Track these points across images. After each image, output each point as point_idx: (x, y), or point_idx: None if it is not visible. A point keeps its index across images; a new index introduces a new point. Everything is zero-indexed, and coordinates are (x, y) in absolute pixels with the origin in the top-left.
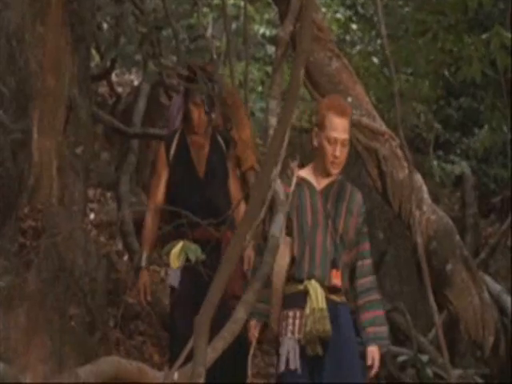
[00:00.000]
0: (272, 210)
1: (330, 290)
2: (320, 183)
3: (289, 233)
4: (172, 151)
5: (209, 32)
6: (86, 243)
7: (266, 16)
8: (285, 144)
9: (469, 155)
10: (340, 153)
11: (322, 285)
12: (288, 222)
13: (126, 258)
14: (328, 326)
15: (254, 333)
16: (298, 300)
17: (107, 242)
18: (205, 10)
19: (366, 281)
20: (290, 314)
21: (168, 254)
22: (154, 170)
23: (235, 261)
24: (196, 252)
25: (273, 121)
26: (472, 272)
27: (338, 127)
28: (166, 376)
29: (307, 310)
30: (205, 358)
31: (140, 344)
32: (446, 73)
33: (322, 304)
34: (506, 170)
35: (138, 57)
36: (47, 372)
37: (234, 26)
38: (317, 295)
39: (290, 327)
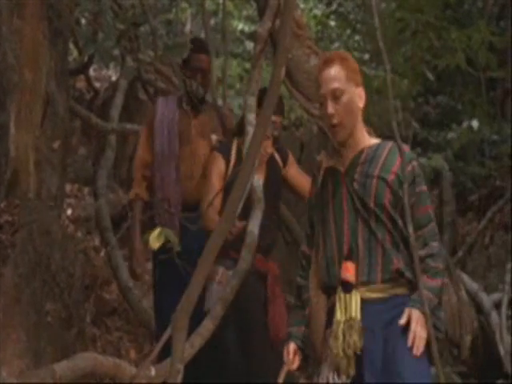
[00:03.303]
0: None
1: (369, 286)
2: (345, 161)
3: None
4: (231, 165)
5: (187, 28)
6: (62, 238)
7: (245, 12)
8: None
9: (447, 153)
10: (333, 108)
11: (358, 285)
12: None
13: (102, 253)
14: (356, 342)
15: (289, 357)
16: (333, 316)
17: (84, 237)
18: (183, 5)
19: (422, 252)
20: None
21: (147, 240)
22: (207, 181)
23: (214, 256)
24: (173, 236)
25: (251, 117)
26: (449, 270)
27: (324, 80)
28: (142, 371)
29: (334, 326)
30: (182, 355)
31: (117, 340)
32: (425, 70)
33: (351, 312)
34: (483, 169)
35: (116, 52)
36: (23, 367)
37: (212, 21)
38: (346, 303)
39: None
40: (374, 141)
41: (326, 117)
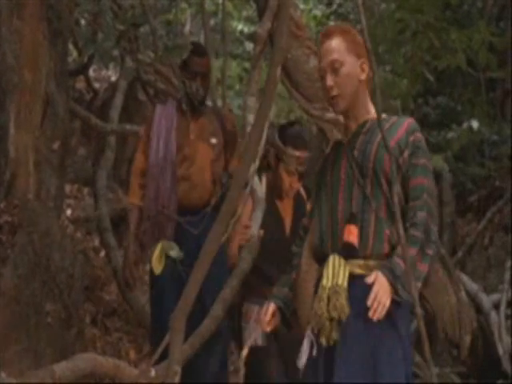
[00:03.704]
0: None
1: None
2: (348, 133)
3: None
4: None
5: (187, 28)
6: (62, 239)
7: (245, 13)
8: (263, 141)
9: (446, 154)
10: (331, 80)
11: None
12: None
13: (102, 254)
14: (343, 305)
15: (266, 318)
16: None
17: (84, 238)
18: (183, 6)
19: (407, 223)
20: None
21: (150, 261)
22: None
23: (211, 257)
24: (174, 249)
25: (251, 118)
26: (449, 271)
27: (323, 52)
28: (143, 373)
29: (319, 290)
30: (180, 356)
31: (116, 341)
32: (425, 71)
33: (338, 279)
34: (483, 169)
35: (116, 52)
36: (23, 368)
37: (212, 22)
38: (334, 270)
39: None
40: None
41: (325, 89)
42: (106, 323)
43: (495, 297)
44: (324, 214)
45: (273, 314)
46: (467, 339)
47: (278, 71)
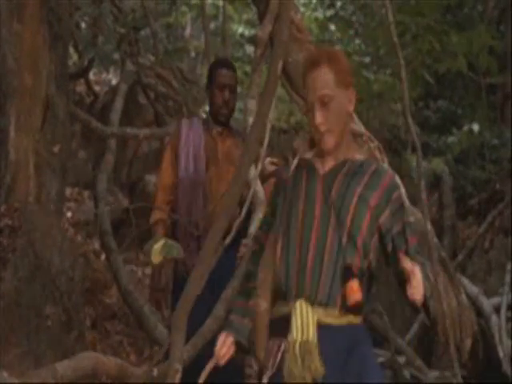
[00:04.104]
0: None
1: (327, 308)
2: (325, 166)
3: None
4: None
5: (187, 31)
6: (62, 242)
7: (245, 16)
8: (265, 143)
9: (447, 157)
10: (321, 117)
11: (315, 304)
12: (272, 218)
13: (103, 257)
14: (317, 367)
15: (221, 350)
16: (283, 327)
17: (84, 241)
18: (183, 9)
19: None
20: (273, 345)
21: (149, 251)
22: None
23: (212, 257)
24: (176, 249)
25: (252, 121)
26: (449, 274)
27: (312, 83)
28: (146, 372)
29: (288, 344)
30: (181, 355)
31: (117, 344)
32: (425, 74)
33: (308, 334)
34: (483, 172)
35: (116, 56)
36: (23, 371)
37: (212, 25)
38: (303, 322)
39: (271, 362)
40: (359, 156)
41: (314, 126)
42: (106, 326)
43: (496, 300)
44: (292, 247)
45: (229, 347)
46: (468, 342)
47: (280, 65)
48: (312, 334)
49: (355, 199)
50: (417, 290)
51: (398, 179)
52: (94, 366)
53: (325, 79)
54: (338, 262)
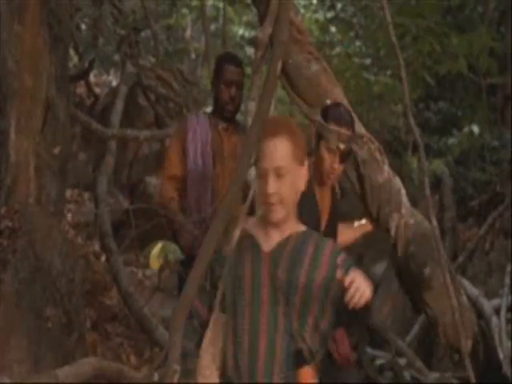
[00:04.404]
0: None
1: None
2: (269, 241)
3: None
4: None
5: (187, 33)
6: (63, 244)
7: (245, 18)
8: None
9: (447, 159)
10: (274, 188)
11: None
12: (213, 290)
13: (103, 259)
14: None
15: None
16: None
17: (84, 242)
18: (184, 11)
19: None
20: None
21: (148, 255)
22: None
23: (209, 257)
24: (175, 252)
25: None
26: (450, 276)
27: (270, 151)
28: (146, 376)
29: None
30: (179, 355)
31: (117, 346)
32: (426, 76)
33: None
34: (483, 174)
35: (117, 57)
36: (23, 373)
37: (212, 27)
38: None
39: None
40: (301, 228)
41: (264, 194)
42: (106, 328)
43: (496, 301)
44: (242, 335)
45: None
46: (468, 344)
47: (279, 66)
48: None
49: (303, 277)
50: (356, 294)
51: (337, 246)
52: (94, 370)
53: (283, 151)
54: (289, 347)
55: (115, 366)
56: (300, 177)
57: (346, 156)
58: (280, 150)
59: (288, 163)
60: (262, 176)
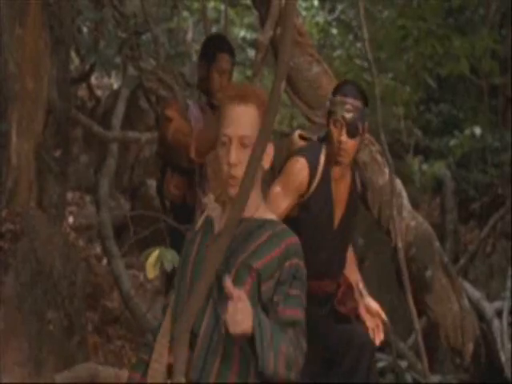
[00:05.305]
0: None
1: None
2: (222, 222)
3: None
4: (315, 183)
5: (189, 36)
6: (64, 247)
7: (246, 20)
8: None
9: (449, 161)
10: (238, 159)
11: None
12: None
13: (104, 261)
14: None
15: None
16: None
17: (86, 245)
18: (185, 13)
19: None
20: None
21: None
22: (282, 188)
23: (217, 264)
24: (172, 260)
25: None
26: (451, 278)
27: (235, 117)
28: None
29: None
30: (184, 367)
31: (118, 348)
32: (427, 78)
33: None
34: (485, 176)
35: (118, 60)
36: (24, 375)
37: (214, 29)
38: None
39: None
40: (266, 215)
41: (226, 164)
42: (108, 331)
43: (497, 304)
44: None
45: None
46: (470, 347)
47: (283, 85)
48: None
49: (235, 268)
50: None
51: (298, 249)
52: (92, 376)
53: (250, 120)
54: (213, 332)
55: (113, 371)
56: (265, 154)
57: (354, 130)
58: (247, 118)
59: (254, 134)
60: (224, 143)
